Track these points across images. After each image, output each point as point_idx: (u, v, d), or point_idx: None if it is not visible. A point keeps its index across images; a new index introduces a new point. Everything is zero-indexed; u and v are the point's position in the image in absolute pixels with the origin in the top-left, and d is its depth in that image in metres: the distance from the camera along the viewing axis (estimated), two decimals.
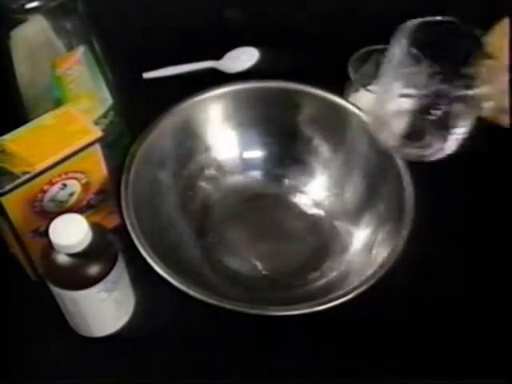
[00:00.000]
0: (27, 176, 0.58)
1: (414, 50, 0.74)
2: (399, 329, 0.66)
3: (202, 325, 0.66)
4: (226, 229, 0.74)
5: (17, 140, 0.60)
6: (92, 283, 0.58)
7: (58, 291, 0.59)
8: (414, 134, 0.74)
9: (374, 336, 0.66)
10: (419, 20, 0.72)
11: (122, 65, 0.77)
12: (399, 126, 0.73)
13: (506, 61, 0.75)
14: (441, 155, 0.76)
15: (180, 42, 0.87)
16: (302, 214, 0.76)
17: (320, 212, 0.76)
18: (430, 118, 0.73)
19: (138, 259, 0.63)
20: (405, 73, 0.70)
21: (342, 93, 0.77)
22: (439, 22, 0.74)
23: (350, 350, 0.65)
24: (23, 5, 0.60)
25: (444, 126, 0.75)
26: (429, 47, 0.75)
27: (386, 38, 0.77)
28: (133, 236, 0.64)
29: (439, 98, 0.71)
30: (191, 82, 0.83)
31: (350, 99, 0.76)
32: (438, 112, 0.73)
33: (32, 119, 0.62)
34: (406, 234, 0.65)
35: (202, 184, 0.77)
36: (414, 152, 0.75)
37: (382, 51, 0.76)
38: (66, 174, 0.61)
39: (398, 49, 0.69)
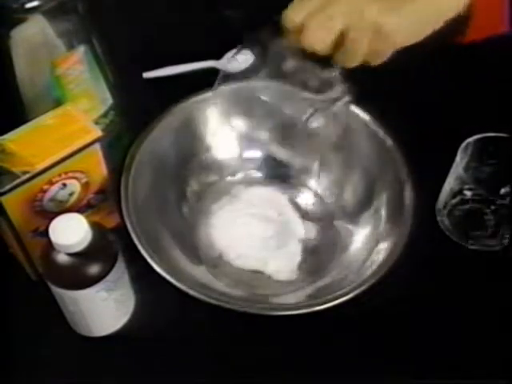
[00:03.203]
0: (27, 176, 0.58)
1: None
2: (399, 329, 0.66)
3: (202, 325, 0.66)
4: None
5: (17, 140, 0.60)
6: (92, 283, 0.58)
7: (57, 291, 0.59)
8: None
9: (373, 336, 0.66)
10: None
11: (123, 65, 0.76)
12: None
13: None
14: None
15: (180, 41, 0.87)
16: (302, 214, 0.76)
17: (320, 212, 0.76)
18: None
19: (138, 259, 0.63)
20: None
21: None
22: None
23: (349, 350, 0.65)
24: (23, 4, 0.60)
25: None
26: None
27: None
28: (133, 236, 0.64)
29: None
30: (191, 82, 0.83)
31: None
32: None
33: (32, 119, 0.62)
34: (406, 233, 0.65)
35: (202, 184, 0.77)
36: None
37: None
38: (65, 173, 0.61)
39: None
